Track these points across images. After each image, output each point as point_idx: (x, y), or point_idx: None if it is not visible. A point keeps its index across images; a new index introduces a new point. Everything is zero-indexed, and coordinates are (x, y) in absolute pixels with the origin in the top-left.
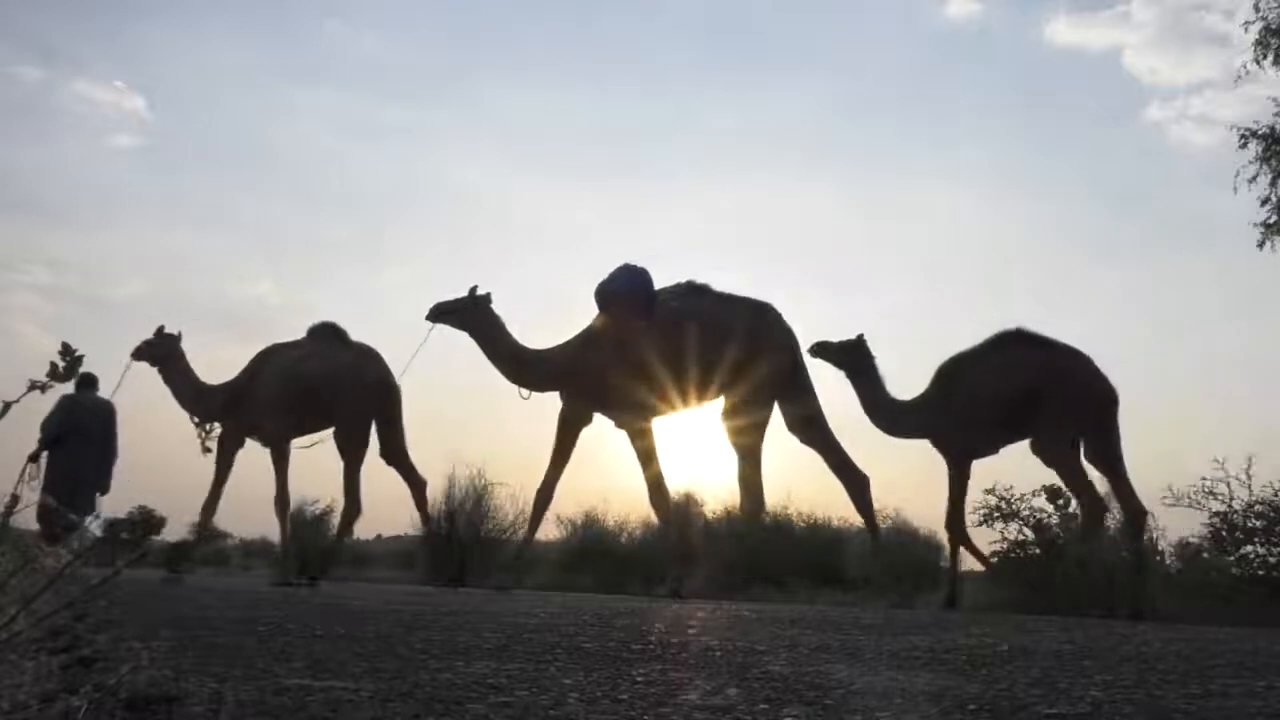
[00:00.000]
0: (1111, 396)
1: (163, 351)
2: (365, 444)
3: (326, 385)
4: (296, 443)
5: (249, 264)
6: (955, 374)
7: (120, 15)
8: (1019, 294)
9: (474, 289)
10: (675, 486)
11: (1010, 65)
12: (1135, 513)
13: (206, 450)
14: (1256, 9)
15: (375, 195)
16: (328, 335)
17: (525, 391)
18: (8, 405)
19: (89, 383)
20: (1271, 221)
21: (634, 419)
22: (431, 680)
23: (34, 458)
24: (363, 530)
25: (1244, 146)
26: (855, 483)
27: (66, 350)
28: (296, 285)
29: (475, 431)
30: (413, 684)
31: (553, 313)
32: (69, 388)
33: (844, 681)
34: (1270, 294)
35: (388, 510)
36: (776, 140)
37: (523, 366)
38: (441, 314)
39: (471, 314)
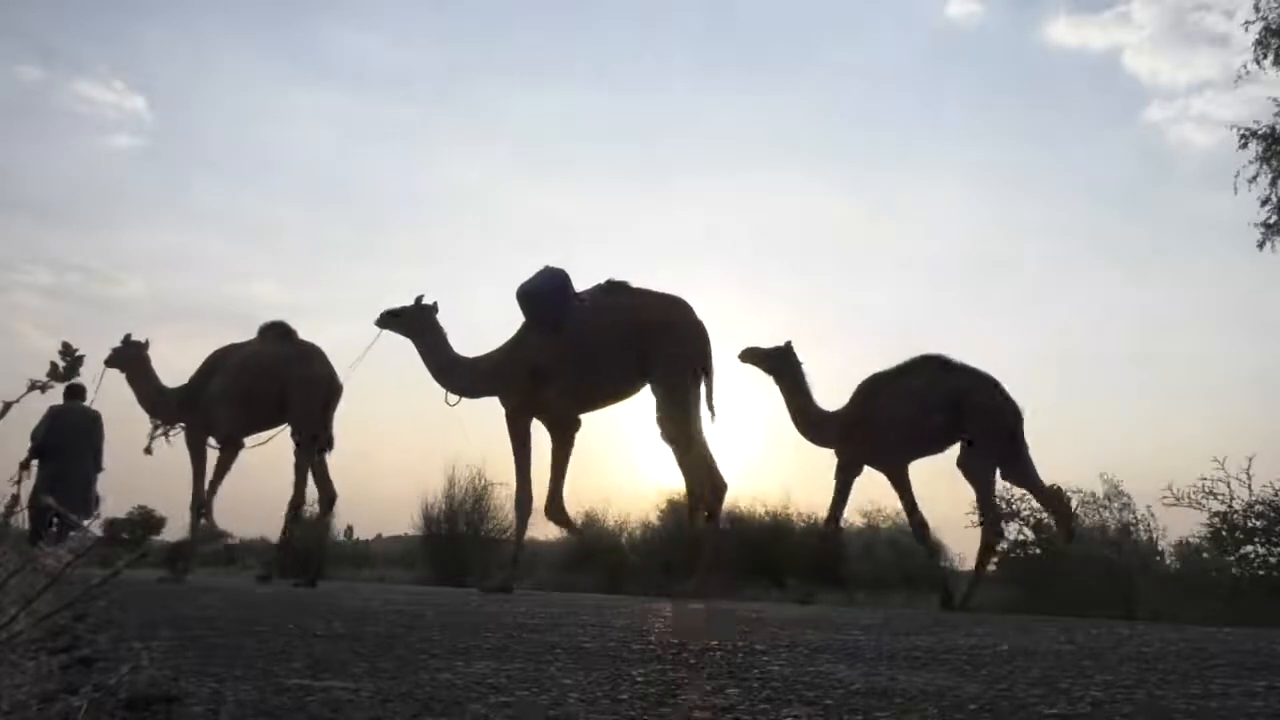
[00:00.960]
0: (1020, 416)
1: (129, 357)
2: (322, 434)
3: (275, 381)
4: (253, 439)
5: (249, 263)
6: (874, 391)
7: (120, 15)
8: (1018, 293)
9: (420, 297)
10: (676, 487)
11: (1010, 65)
12: (1064, 514)
13: (148, 451)
14: (1256, 9)
15: (375, 195)
16: (276, 333)
17: (453, 398)
18: (8, 405)
19: (76, 393)
20: (1271, 221)
21: (560, 418)
22: (431, 680)
23: (24, 465)
24: (362, 530)
25: (1244, 146)
26: (716, 486)
27: (67, 350)
28: (296, 285)
29: (475, 432)
30: (413, 684)
31: None
32: (58, 397)
33: (844, 681)
34: (1270, 294)
35: (388, 510)
36: (776, 140)
37: (455, 374)
38: (389, 320)
39: (417, 321)
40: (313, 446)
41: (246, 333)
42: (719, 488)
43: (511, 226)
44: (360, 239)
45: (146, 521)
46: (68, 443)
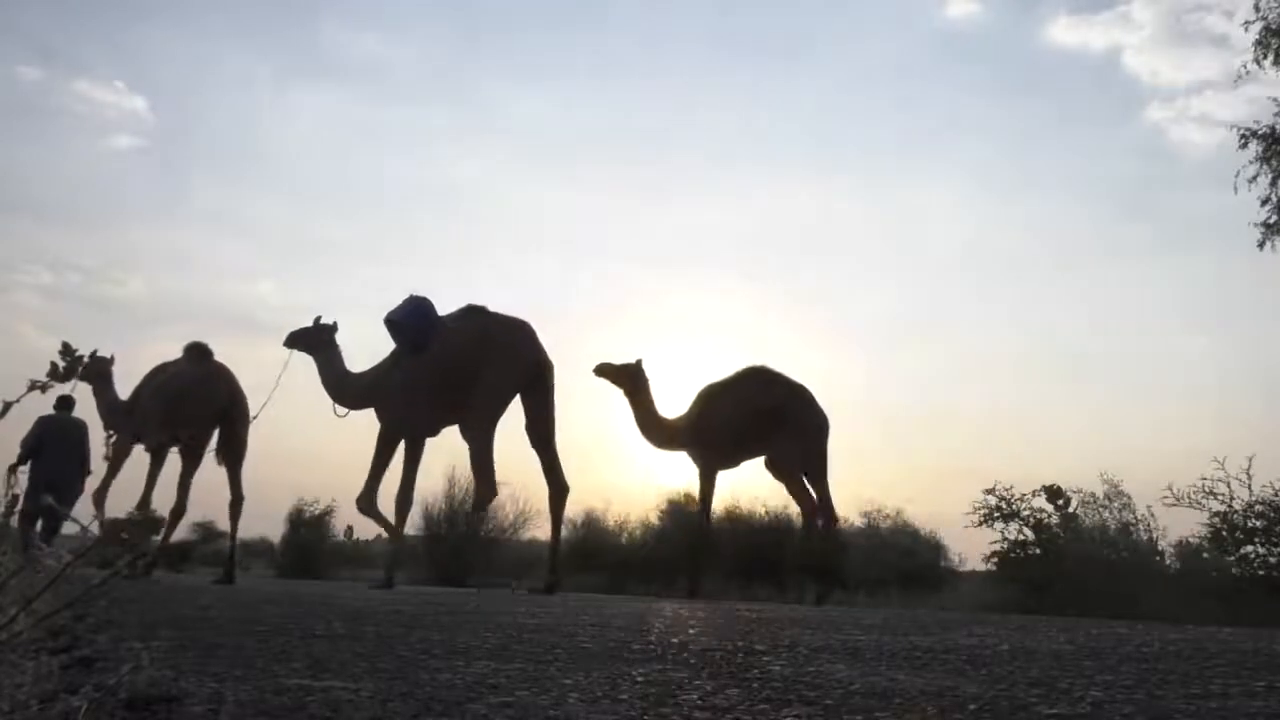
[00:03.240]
0: (827, 427)
1: (95, 372)
2: (200, 452)
3: (181, 401)
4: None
5: (249, 264)
6: (708, 399)
7: (120, 15)
8: (1019, 294)
9: (319, 319)
10: (676, 487)
11: (1010, 65)
12: (833, 518)
13: (106, 459)
14: (1256, 9)
15: (375, 195)
16: (195, 353)
17: (341, 410)
18: (8, 405)
19: (64, 404)
20: (1271, 221)
21: (425, 432)
22: (431, 680)
23: (13, 469)
24: (362, 530)
25: (1244, 146)
26: (557, 489)
27: (66, 350)
28: (297, 285)
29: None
30: (413, 684)
31: (553, 312)
32: (48, 408)
33: (844, 681)
34: (1270, 294)
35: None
36: (776, 140)
37: (342, 388)
38: (294, 339)
39: (315, 340)
40: (193, 458)
41: (246, 333)
42: (490, 486)
43: (511, 225)
44: (361, 239)
45: (146, 522)
46: (55, 449)
